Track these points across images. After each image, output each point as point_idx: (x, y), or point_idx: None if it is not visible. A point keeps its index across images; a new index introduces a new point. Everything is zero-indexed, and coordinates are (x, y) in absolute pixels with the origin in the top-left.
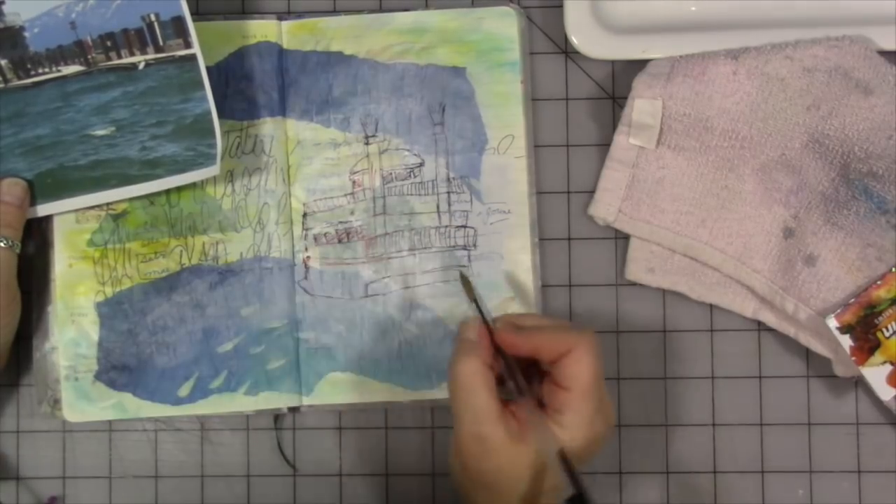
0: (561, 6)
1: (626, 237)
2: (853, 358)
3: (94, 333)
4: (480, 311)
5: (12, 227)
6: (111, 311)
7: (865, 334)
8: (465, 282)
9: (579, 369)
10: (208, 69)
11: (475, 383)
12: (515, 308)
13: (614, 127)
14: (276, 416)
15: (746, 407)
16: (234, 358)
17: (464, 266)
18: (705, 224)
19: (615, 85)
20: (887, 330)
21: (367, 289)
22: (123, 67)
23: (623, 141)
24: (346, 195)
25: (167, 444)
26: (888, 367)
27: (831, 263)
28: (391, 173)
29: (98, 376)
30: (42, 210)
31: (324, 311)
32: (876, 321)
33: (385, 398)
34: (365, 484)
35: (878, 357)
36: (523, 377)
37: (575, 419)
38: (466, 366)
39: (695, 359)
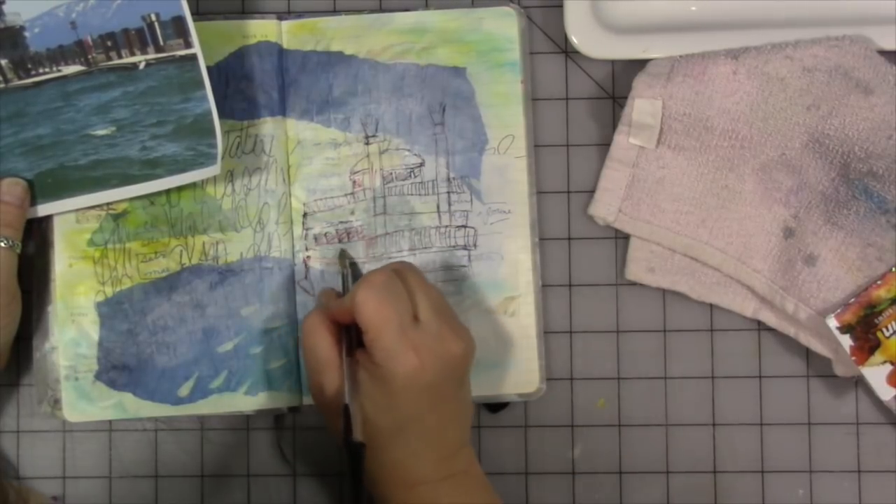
0: (561, 6)
1: (626, 237)
2: (853, 358)
3: (94, 333)
4: (344, 285)
5: (12, 226)
6: (111, 310)
7: (865, 334)
8: (342, 256)
9: (359, 309)
10: (208, 69)
11: (317, 334)
12: (516, 308)
13: (614, 127)
14: (276, 416)
15: (746, 407)
16: (234, 358)
17: (463, 267)
18: (705, 224)
19: (615, 85)
20: (887, 330)
21: None
22: (124, 67)
23: (623, 141)
24: (346, 195)
25: (167, 444)
26: (888, 367)
27: (831, 263)
28: (391, 173)
29: (98, 376)
30: (42, 210)
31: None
32: (876, 321)
33: None
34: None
35: (878, 357)
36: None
37: (378, 355)
38: (310, 319)
39: (695, 359)
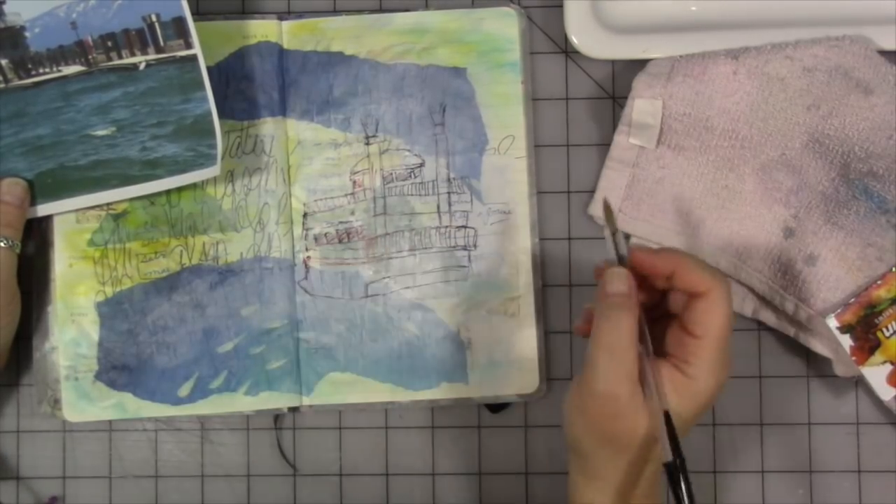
0: (561, 6)
1: (627, 237)
2: (853, 358)
3: (94, 333)
4: (616, 245)
5: (12, 226)
6: (111, 310)
7: (865, 334)
8: (608, 210)
9: (714, 316)
10: (208, 69)
11: (627, 343)
12: (516, 308)
13: (614, 127)
14: (276, 416)
15: (746, 407)
16: (234, 358)
17: (463, 267)
18: (705, 224)
19: (615, 85)
20: (887, 330)
21: (368, 289)
22: (124, 68)
23: (623, 141)
24: (346, 195)
25: (167, 444)
26: (888, 367)
27: (831, 263)
28: (392, 173)
29: (98, 376)
30: (42, 210)
31: (324, 311)
32: (876, 321)
33: (385, 398)
34: (365, 484)
35: (878, 357)
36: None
37: (703, 369)
38: (623, 323)
39: None
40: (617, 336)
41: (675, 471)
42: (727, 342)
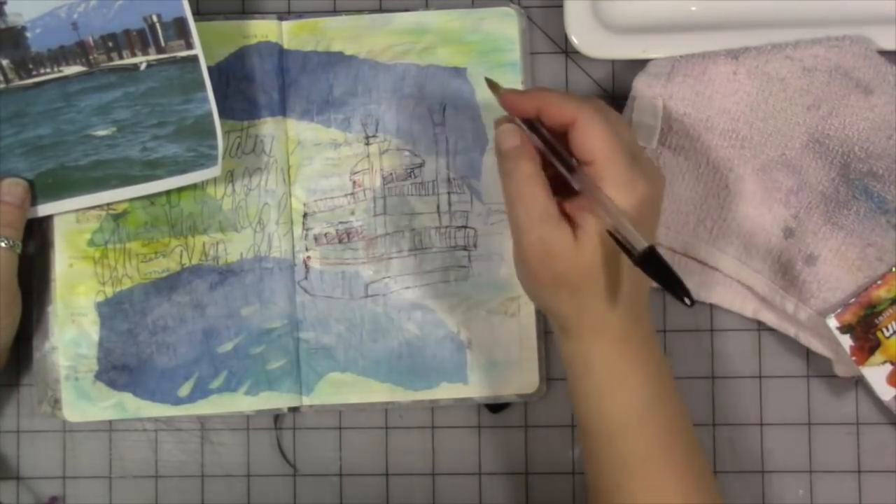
0: (561, 6)
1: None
2: (853, 358)
3: (94, 333)
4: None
5: (13, 226)
6: (111, 311)
7: (865, 334)
8: (493, 85)
9: (590, 138)
10: (209, 69)
11: (533, 186)
12: (516, 308)
13: None
14: (276, 416)
15: (746, 407)
16: (234, 358)
17: (463, 267)
18: (705, 224)
19: (615, 85)
20: (887, 330)
21: (368, 289)
22: (125, 68)
23: None
24: (346, 195)
25: (167, 444)
26: (888, 367)
27: (831, 263)
28: (391, 173)
29: (98, 376)
30: (42, 210)
31: (324, 311)
32: (876, 321)
33: (385, 398)
34: (365, 484)
35: (878, 357)
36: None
37: (609, 189)
38: (521, 169)
39: (695, 359)
40: (522, 183)
41: (648, 257)
42: (622, 155)
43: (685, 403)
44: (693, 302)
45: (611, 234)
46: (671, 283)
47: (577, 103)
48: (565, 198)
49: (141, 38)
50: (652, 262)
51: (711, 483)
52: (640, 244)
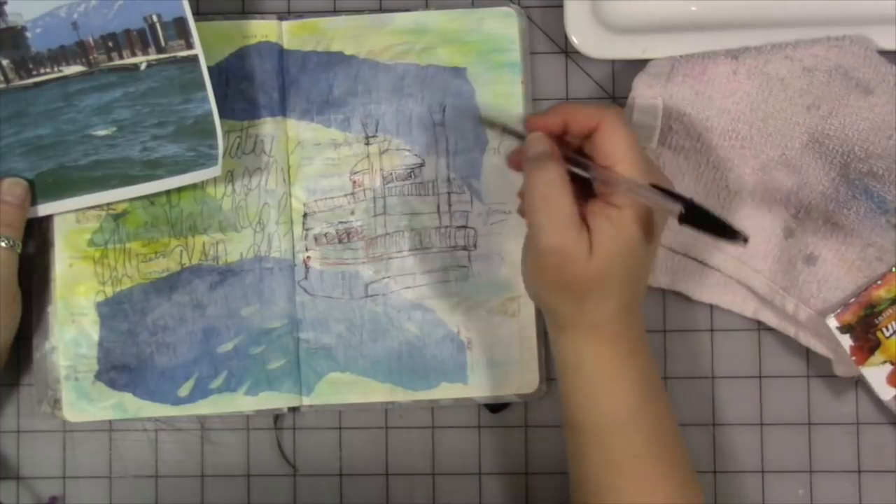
0: (561, 6)
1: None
2: (853, 358)
3: (94, 333)
4: (519, 134)
5: (13, 226)
6: (111, 311)
7: (865, 334)
8: (486, 121)
9: (614, 140)
10: (209, 69)
11: (560, 190)
12: (516, 308)
13: None
14: (276, 416)
15: (746, 407)
16: (234, 358)
17: (463, 267)
18: None
19: (615, 85)
20: (887, 330)
21: (367, 289)
22: (125, 68)
23: None
24: (346, 195)
25: (167, 444)
26: (888, 367)
27: (831, 263)
28: (391, 173)
29: (98, 376)
30: (43, 210)
31: (324, 311)
32: (876, 321)
33: (385, 398)
34: (365, 484)
35: (878, 357)
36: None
37: (620, 193)
38: (551, 172)
39: (695, 359)
40: (549, 186)
41: (691, 211)
42: (642, 159)
43: (670, 403)
44: (747, 240)
45: (656, 186)
46: (721, 230)
47: (601, 108)
48: (580, 205)
49: (141, 38)
50: (696, 217)
51: (695, 481)
52: (677, 204)
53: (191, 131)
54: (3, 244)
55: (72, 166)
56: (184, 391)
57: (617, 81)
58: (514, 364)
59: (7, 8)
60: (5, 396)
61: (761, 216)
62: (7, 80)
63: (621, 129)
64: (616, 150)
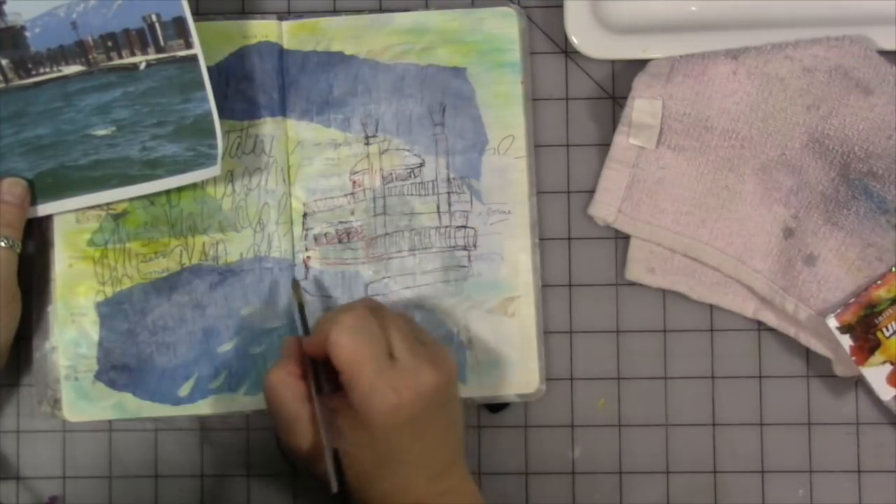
0: (561, 6)
1: (626, 237)
2: (853, 358)
3: (94, 333)
4: (301, 318)
5: (13, 226)
6: (111, 311)
7: (865, 334)
8: (296, 286)
9: (335, 352)
10: (208, 69)
11: (281, 392)
12: (516, 308)
13: (614, 127)
14: None
15: (746, 407)
16: (234, 358)
17: (463, 267)
18: (705, 224)
19: (615, 85)
20: (887, 330)
21: (367, 289)
22: (124, 68)
23: (623, 141)
24: (346, 195)
25: (167, 444)
26: (888, 367)
27: (831, 263)
28: (391, 173)
29: (98, 376)
30: (42, 210)
31: (324, 311)
32: (876, 321)
33: None
34: None
35: (878, 357)
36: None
37: (356, 397)
38: (271, 376)
39: (695, 359)
40: (269, 389)
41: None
42: (366, 365)
43: None
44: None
45: (334, 456)
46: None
47: (326, 319)
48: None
49: (140, 38)
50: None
51: None
52: (334, 485)
53: (190, 131)
54: (2, 244)
55: (71, 166)
56: (184, 391)
57: (617, 81)
58: (514, 364)
59: (6, 7)
60: (5, 396)
61: (761, 216)
62: (6, 80)
63: (341, 346)
64: (339, 365)
